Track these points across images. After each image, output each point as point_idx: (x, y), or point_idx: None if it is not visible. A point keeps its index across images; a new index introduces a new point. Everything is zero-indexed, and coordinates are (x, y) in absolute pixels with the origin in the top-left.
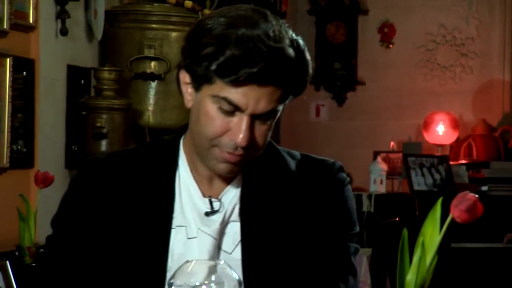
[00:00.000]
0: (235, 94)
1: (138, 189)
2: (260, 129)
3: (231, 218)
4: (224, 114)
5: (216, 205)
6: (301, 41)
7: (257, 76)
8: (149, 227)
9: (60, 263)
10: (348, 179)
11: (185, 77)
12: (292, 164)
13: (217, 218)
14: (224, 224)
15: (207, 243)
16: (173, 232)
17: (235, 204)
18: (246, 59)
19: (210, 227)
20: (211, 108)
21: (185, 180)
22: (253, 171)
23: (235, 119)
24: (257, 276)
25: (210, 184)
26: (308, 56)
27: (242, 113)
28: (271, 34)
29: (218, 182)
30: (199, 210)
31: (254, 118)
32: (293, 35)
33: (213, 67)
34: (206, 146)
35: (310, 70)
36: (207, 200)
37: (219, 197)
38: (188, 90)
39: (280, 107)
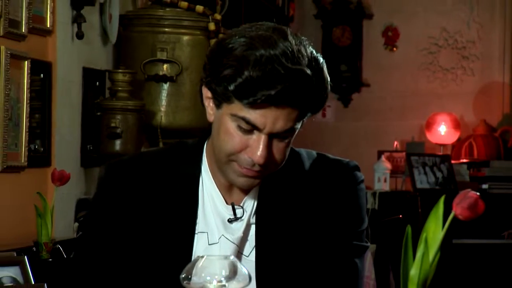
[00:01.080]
0: (253, 115)
1: (163, 194)
2: (278, 146)
3: (251, 221)
4: (242, 132)
5: (239, 212)
6: (320, 58)
7: (275, 98)
8: (174, 233)
9: (89, 264)
10: (362, 177)
11: (207, 92)
12: (308, 165)
13: (240, 225)
14: (247, 230)
15: (229, 249)
16: (195, 237)
17: (254, 208)
18: (264, 81)
19: (234, 234)
20: (230, 126)
21: (207, 186)
22: (270, 175)
23: (253, 137)
24: (270, 278)
25: (230, 191)
26: (326, 74)
27: (260, 132)
28: (290, 54)
29: (238, 188)
30: (222, 216)
31: (272, 136)
32: (313, 52)
33: (232, 88)
34: (224, 160)
35: (329, 88)
36: (230, 207)
37: (241, 203)
38: (210, 105)
39: (298, 125)
